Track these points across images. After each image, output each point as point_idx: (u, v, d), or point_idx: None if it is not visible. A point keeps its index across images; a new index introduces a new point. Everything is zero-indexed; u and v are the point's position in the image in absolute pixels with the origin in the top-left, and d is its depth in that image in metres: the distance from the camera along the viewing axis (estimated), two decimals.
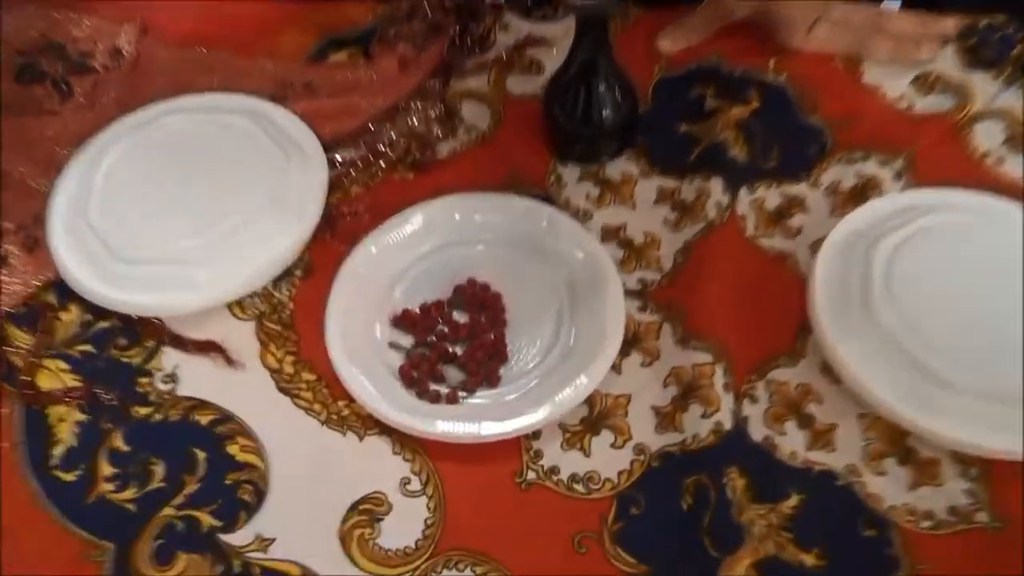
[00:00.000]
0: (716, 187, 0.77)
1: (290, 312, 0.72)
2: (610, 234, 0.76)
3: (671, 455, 0.63)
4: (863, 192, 0.77)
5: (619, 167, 0.80)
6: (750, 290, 0.71)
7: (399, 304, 0.71)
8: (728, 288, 0.71)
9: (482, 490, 0.62)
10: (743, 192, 0.77)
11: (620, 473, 0.63)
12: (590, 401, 0.65)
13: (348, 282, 0.71)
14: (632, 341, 0.69)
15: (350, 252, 0.73)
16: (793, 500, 0.61)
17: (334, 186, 0.79)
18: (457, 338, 0.70)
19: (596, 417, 0.65)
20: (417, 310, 0.71)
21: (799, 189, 0.78)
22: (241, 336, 0.71)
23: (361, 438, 0.65)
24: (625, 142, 0.81)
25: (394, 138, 0.82)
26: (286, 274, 0.74)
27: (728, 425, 0.64)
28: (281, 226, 0.74)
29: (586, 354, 0.66)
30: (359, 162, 0.82)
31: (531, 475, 0.63)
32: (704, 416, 0.64)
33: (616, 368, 0.67)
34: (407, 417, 0.63)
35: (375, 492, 0.62)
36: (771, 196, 0.77)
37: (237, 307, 0.72)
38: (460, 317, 0.71)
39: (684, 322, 0.69)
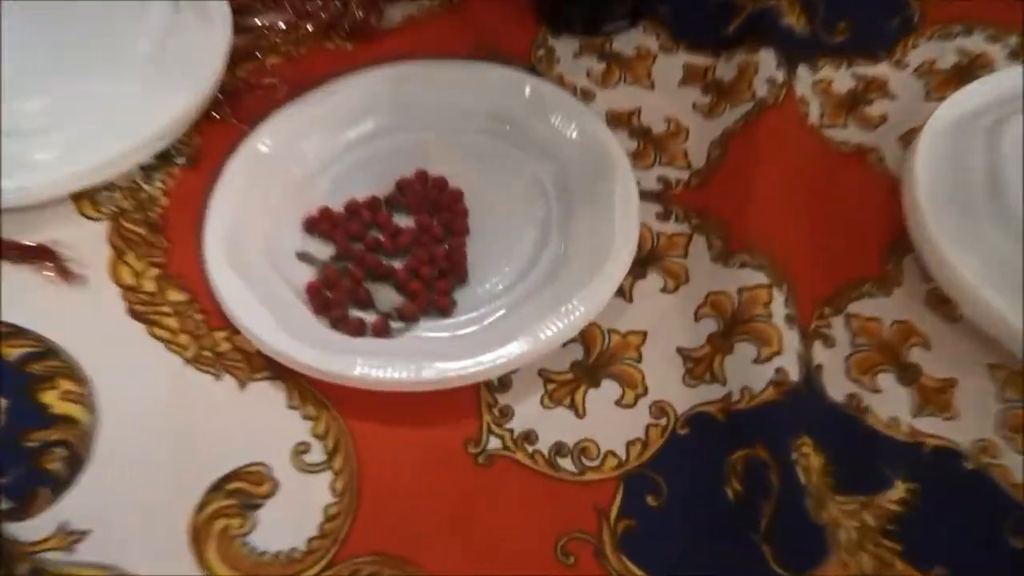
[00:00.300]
0: (767, 61, 0.55)
1: (162, 211, 0.51)
2: (619, 120, 0.54)
3: (708, 419, 0.42)
4: (969, 72, 0.56)
5: (632, 40, 0.59)
6: (817, 193, 0.50)
7: (318, 203, 0.50)
8: (785, 190, 0.50)
9: (418, 465, 0.41)
10: (803, 71, 0.56)
11: (629, 444, 0.41)
12: (586, 338, 0.44)
13: (245, 171, 0.50)
14: (649, 259, 0.48)
15: (253, 132, 0.51)
16: (899, 491, 0.39)
17: (244, 54, 0.58)
18: (396, 249, 0.48)
19: (594, 362, 0.44)
20: (342, 210, 0.50)
21: (879, 70, 0.57)
22: (87, 240, 0.49)
23: (243, 384, 0.44)
24: (640, 5, 0.59)
25: None
26: (163, 160, 0.53)
27: (794, 375, 0.42)
28: (160, 94, 0.53)
29: (581, 274, 0.45)
30: (282, 25, 0.60)
31: (494, 443, 0.41)
32: (758, 361, 0.43)
33: (624, 294, 0.46)
34: (313, 354, 0.42)
35: (254, 464, 0.41)
36: (841, 78, 0.57)
37: (87, 202, 0.51)
38: (403, 221, 0.50)
39: (724, 233, 0.48)
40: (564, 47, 0.58)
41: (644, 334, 0.45)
